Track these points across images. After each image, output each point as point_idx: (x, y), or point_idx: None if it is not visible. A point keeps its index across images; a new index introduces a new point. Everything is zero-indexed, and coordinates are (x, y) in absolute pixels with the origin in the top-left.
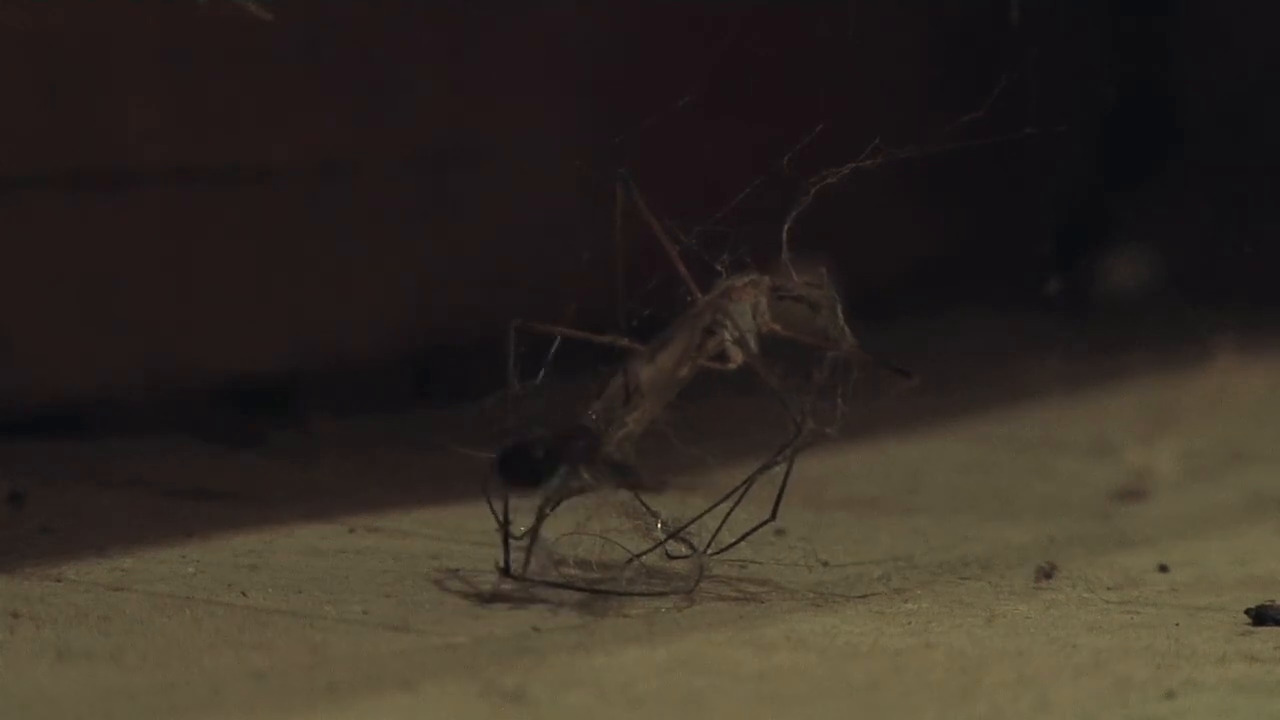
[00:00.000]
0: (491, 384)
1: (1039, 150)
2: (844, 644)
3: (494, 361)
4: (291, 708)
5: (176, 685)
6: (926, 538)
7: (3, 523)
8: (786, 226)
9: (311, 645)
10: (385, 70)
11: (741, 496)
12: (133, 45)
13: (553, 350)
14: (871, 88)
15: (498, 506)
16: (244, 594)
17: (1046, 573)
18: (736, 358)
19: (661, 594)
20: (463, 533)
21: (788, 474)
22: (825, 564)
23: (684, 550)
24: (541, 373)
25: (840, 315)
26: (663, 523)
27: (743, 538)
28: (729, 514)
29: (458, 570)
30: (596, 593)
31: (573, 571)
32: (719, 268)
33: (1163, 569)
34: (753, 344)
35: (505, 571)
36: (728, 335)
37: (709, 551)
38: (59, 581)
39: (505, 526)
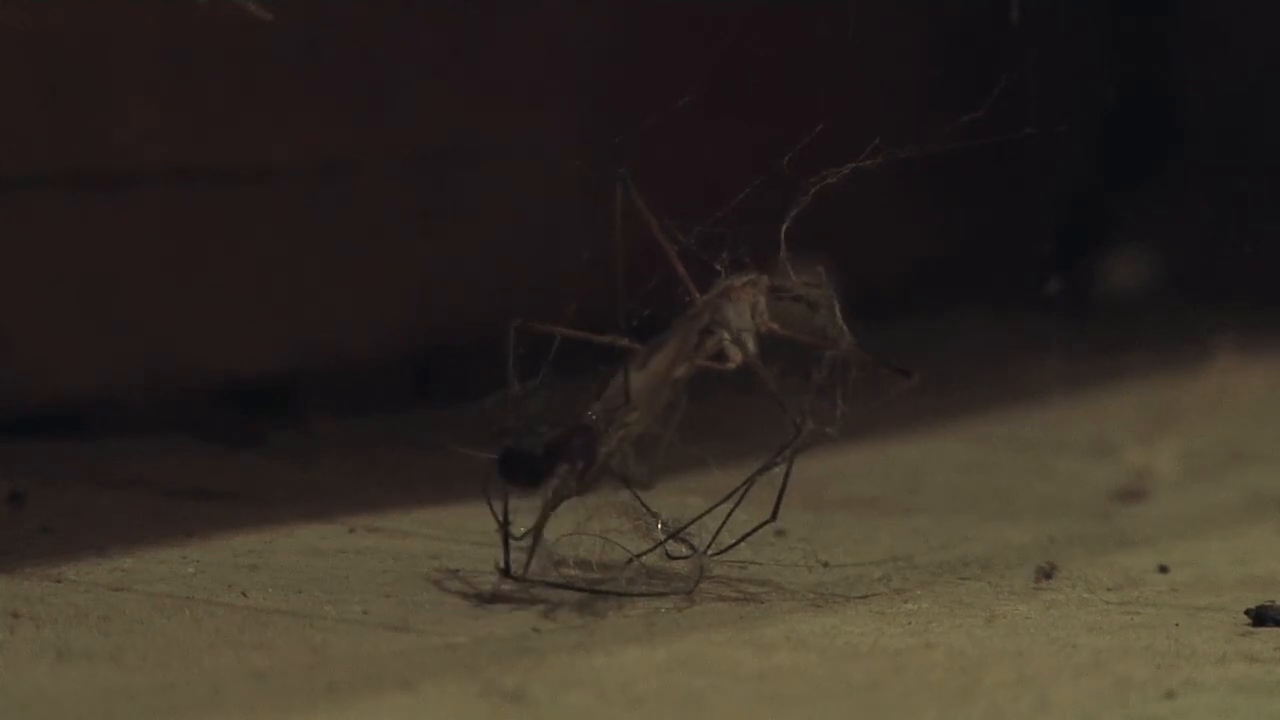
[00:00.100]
0: (491, 384)
1: (1039, 150)
2: (844, 644)
3: (494, 361)
4: (291, 708)
5: (176, 685)
6: (926, 538)
7: (3, 523)
8: (785, 226)
9: (311, 645)
10: (385, 70)
11: (742, 497)
12: (133, 45)
13: (553, 350)
14: (871, 88)
15: (498, 506)
16: (244, 594)
17: (1046, 573)
18: (736, 357)
19: (661, 594)
20: (463, 533)
21: (788, 474)
22: (825, 564)
23: (684, 551)
24: (541, 373)
25: (839, 314)
26: (663, 523)
27: (743, 538)
28: (729, 514)
29: (458, 570)
30: (596, 593)
31: (573, 572)
32: (718, 267)
33: (1163, 569)
34: (751, 344)
35: (505, 572)
36: (725, 335)
37: (709, 552)
38: (59, 581)
39: (505, 527)
